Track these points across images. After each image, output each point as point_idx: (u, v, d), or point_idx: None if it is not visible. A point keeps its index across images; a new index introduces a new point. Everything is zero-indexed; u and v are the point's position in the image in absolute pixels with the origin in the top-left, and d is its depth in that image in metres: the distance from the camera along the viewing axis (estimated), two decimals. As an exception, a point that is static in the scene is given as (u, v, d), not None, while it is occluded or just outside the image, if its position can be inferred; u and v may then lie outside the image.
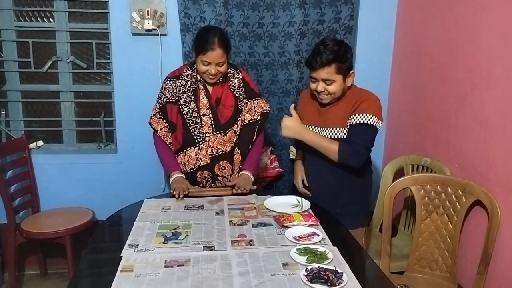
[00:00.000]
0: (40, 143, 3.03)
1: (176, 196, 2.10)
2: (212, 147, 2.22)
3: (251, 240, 1.66)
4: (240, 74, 2.28)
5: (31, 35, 2.92)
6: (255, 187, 2.24)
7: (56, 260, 3.02)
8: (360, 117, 1.96)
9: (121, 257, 1.53)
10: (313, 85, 2.01)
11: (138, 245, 1.62)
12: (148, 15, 2.75)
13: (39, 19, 2.92)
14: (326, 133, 2.06)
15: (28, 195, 2.87)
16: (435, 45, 2.51)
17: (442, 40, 2.44)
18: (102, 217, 2.17)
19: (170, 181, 2.22)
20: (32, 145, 2.98)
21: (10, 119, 3.01)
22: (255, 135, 2.32)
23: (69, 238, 2.64)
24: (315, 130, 2.10)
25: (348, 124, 2.01)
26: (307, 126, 2.12)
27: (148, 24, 2.75)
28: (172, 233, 1.72)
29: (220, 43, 2.06)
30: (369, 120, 1.96)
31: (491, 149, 2.01)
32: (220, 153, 2.23)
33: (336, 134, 2.04)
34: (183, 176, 2.23)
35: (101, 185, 2.99)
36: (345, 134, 2.02)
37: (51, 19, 2.91)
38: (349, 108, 2.00)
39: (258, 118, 2.31)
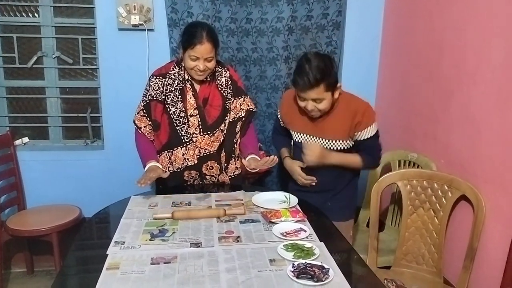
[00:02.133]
0: (26, 139, 3.00)
1: (138, 185, 1.95)
2: (200, 147, 2.19)
3: (238, 237, 1.65)
4: (228, 72, 2.24)
5: (15, 30, 2.89)
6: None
7: (43, 258, 3.00)
8: (368, 131, 2.02)
9: (107, 254, 1.52)
10: (301, 103, 1.99)
11: (124, 242, 1.60)
12: (134, 10, 2.72)
13: (23, 13, 2.87)
14: (325, 144, 2.07)
15: (13, 192, 2.84)
16: (422, 40, 2.53)
17: (429, 35, 2.45)
18: (89, 214, 2.15)
19: (144, 170, 2.12)
20: (18, 142, 2.94)
21: (-5, 115, 2.97)
22: (238, 132, 2.27)
23: (56, 235, 2.62)
24: (311, 139, 2.11)
25: (355, 138, 2.05)
26: (300, 134, 2.14)
27: (135, 19, 2.73)
28: (159, 230, 1.70)
29: (209, 37, 2.02)
30: (374, 129, 2.03)
31: (478, 144, 2.03)
32: (208, 153, 2.20)
33: (336, 146, 2.07)
34: (158, 165, 2.13)
35: (88, 182, 2.97)
36: (345, 146, 2.07)
37: (36, 14, 2.87)
38: (347, 121, 2.01)
39: (242, 115, 2.27)
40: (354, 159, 2.08)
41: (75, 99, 3.04)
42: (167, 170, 2.16)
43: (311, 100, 1.94)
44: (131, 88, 2.68)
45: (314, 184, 2.15)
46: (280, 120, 2.26)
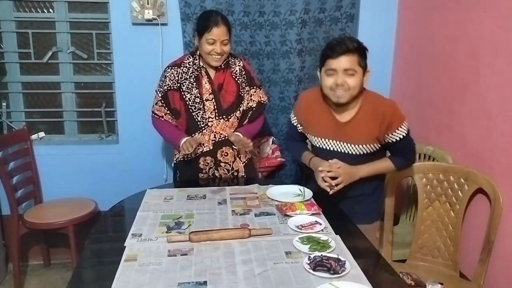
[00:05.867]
0: (42, 134, 3.04)
1: (186, 152, 2.11)
2: (215, 132, 2.25)
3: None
4: (241, 62, 2.32)
5: (31, 26, 2.91)
6: (250, 143, 2.21)
7: (59, 250, 3.03)
8: (399, 133, 1.88)
9: (125, 246, 1.53)
10: (330, 80, 1.82)
11: (141, 234, 1.62)
12: (148, 4, 2.73)
13: (38, 9, 2.90)
14: (349, 149, 1.93)
15: (30, 186, 2.88)
16: (438, 32, 2.50)
17: (445, 27, 2.42)
18: (105, 207, 2.18)
19: (180, 146, 2.16)
20: (34, 136, 2.98)
21: (11, 111, 3.01)
22: (247, 121, 2.33)
23: (72, 228, 2.65)
24: (336, 144, 1.95)
25: (386, 140, 1.90)
26: (325, 139, 1.98)
27: (148, 14, 2.74)
28: (175, 222, 1.72)
29: (224, 21, 2.14)
30: (406, 129, 1.90)
31: (494, 136, 2.01)
32: (223, 138, 2.26)
33: (360, 150, 1.92)
34: (191, 138, 2.19)
35: (103, 175, 3.00)
36: (370, 149, 1.92)
37: (50, 10, 2.89)
38: (375, 125, 1.86)
39: (253, 105, 2.33)
40: (385, 165, 1.96)
41: (90, 93, 3.06)
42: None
43: (343, 71, 1.79)
44: (145, 82, 2.70)
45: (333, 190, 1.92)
46: (297, 126, 2.09)
